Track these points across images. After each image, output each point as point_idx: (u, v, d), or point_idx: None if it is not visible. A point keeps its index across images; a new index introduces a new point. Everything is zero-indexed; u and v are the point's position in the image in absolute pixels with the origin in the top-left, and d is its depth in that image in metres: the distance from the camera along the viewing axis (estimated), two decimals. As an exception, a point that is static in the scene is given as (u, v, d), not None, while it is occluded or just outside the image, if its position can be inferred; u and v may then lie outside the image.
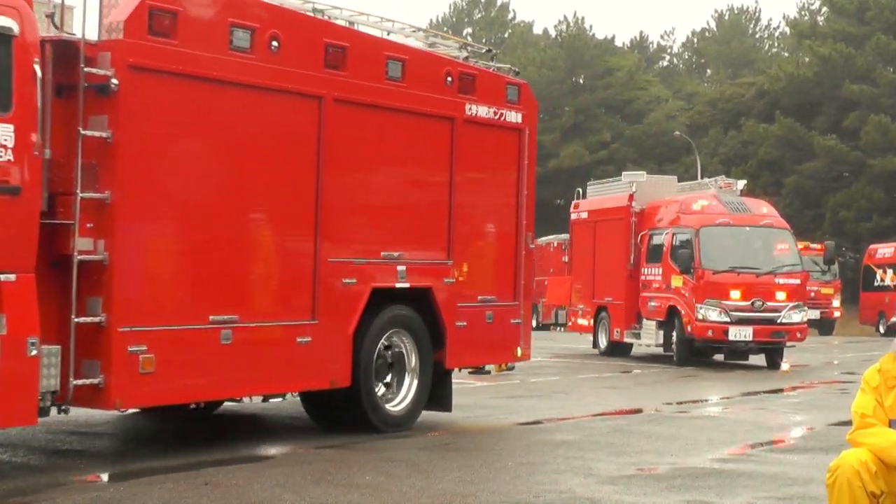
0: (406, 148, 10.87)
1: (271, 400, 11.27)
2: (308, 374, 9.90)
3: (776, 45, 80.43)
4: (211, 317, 8.95)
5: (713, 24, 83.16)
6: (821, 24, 60.90)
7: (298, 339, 9.69)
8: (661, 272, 21.83)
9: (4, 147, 7.49)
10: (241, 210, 9.33)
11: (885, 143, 47.85)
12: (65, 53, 8.15)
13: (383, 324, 10.63)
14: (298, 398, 10.92)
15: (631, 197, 23.15)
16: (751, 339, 20.64)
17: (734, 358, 21.86)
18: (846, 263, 47.61)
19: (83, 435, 10.40)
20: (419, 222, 11.07)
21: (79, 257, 8.09)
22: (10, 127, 7.53)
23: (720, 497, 8.06)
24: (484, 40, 69.29)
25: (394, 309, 10.74)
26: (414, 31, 12.10)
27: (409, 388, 11.03)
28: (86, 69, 8.14)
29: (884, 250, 39.30)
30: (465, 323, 11.41)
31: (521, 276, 12.17)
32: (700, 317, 20.58)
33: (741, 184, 23.75)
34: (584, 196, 26.33)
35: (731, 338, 20.59)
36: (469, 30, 79.37)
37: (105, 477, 8.39)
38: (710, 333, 20.64)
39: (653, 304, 22.12)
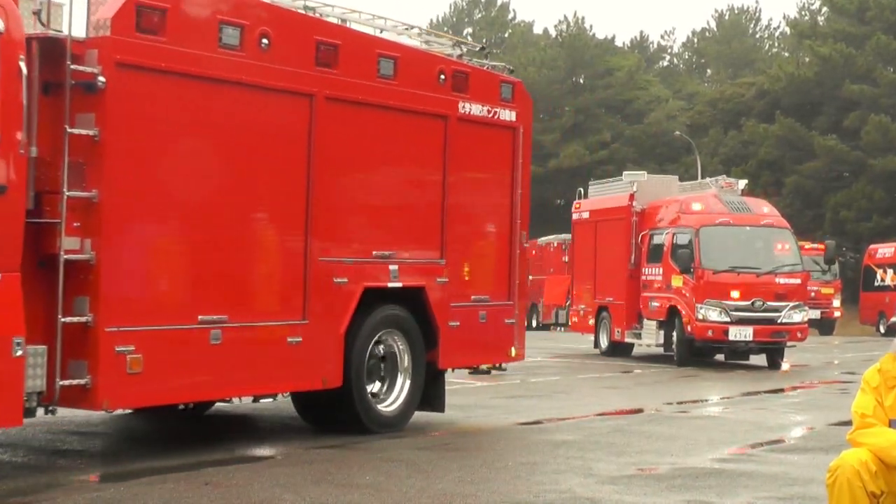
0: (399, 146, 10.77)
1: (262, 400, 11.17)
2: (299, 375, 9.81)
3: (776, 45, 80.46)
4: (200, 317, 8.86)
5: (713, 24, 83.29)
6: (821, 24, 60.89)
7: (289, 339, 9.60)
8: (661, 272, 21.75)
9: (-10, 145, 7.39)
10: (231, 209, 9.22)
11: (885, 142, 47.83)
12: (51, 51, 8.06)
13: (375, 323, 10.54)
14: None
15: (632, 197, 23.07)
16: (751, 339, 20.57)
17: (734, 358, 21.79)
18: (846, 263, 47.57)
19: (83, 435, 10.36)
20: (412, 221, 10.98)
21: (65, 256, 8.00)
22: (-5, 125, 7.42)
23: (720, 497, 8.02)
24: (484, 40, 69.06)
25: (386, 308, 10.65)
26: (407, 29, 11.97)
27: (402, 388, 10.94)
28: (72, 67, 8.05)
29: (884, 250, 39.27)
30: (458, 323, 11.31)
31: (516, 275, 12.08)
32: (700, 317, 20.50)
33: (742, 183, 23.69)
34: (586, 196, 26.27)
35: (731, 338, 20.51)
36: (469, 29, 79.44)
37: (105, 477, 8.33)
38: (710, 333, 20.56)
39: (653, 304, 22.04)
